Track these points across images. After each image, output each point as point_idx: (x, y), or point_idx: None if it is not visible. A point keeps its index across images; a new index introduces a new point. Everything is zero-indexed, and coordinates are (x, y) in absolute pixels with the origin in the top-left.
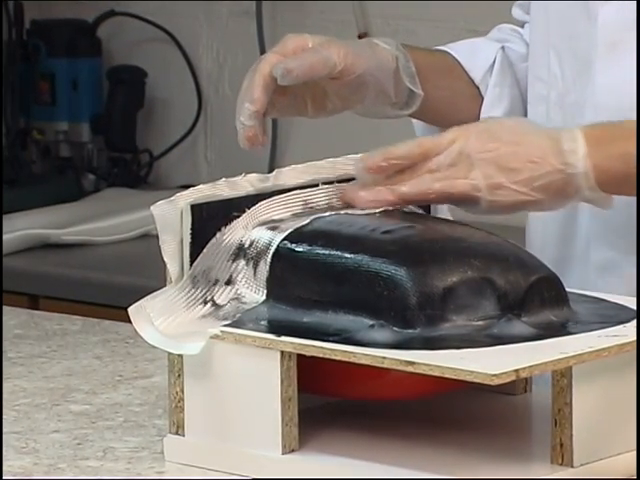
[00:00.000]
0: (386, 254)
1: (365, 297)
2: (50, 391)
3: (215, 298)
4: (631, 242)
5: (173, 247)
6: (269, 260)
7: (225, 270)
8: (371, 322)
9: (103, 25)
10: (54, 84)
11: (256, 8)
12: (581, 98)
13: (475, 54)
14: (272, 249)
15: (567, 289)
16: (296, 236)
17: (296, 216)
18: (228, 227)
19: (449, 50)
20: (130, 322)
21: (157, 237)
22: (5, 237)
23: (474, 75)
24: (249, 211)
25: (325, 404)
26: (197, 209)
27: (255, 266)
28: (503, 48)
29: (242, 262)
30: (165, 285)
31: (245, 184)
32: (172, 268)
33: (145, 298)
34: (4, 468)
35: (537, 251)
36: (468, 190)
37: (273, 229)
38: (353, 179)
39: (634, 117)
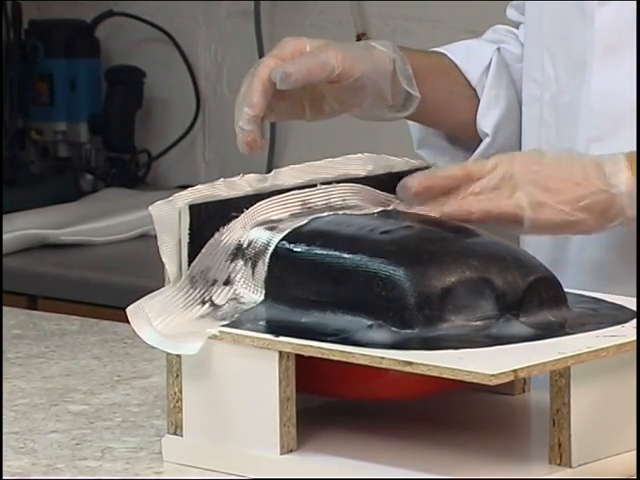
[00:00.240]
0: (384, 254)
1: (363, 297)
2: (48, 391)
3: (213, 298)
4: (627, 244)
5: (171, 247)
6: (267, 260)
7: (223, 270)
8: (369, 322)
9: (101, 25)
10: (52, 84)
11: (254, 9)
12: (575, 100)
13: (471, 56)
14: (270, 249)
15: (565, 289)
16: (294, 236)
17: (294, 216)
18: (226, 227)
19: (445, 52)
20: (128, 322)
21: (155, 237)
22: (3, 237)
23: (470, 77)
24: (247, 211)
25: (323, 404)
26: (195, 209)
27: (253, 266)
28: (499, 49)
29: (240, 262)
30: (163, 285)
31: (243, 184)
32: (170, 268)
33: (143, 298)
34: (2, 468)
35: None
36: (512, 209)
37: (271, 229)
38: (352, 179)
39: (629, 121)
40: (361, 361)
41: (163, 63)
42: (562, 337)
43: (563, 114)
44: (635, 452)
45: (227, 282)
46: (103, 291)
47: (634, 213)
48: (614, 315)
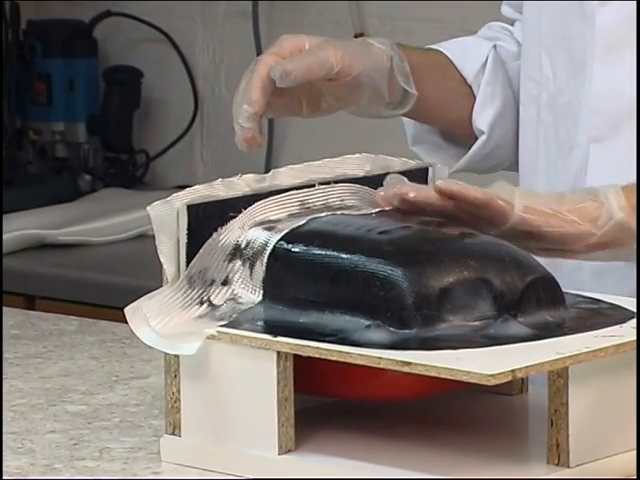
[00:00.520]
0: (383, 254)
1: (361, 297)
2: (46, 391)
3: (211, 298)
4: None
5: (169, 247)
6: (265, 260)
7: (221, 270)
8: (367, 322)
9: (99, 25)
10: (50, 84)
11: (252, 8)
12: (575, 100)
13: (467, 53)
14: (268, 249)
15: (563, 289)
16: (292, 236)
17: (293, 216)
18: (224, 227)
19: (441, 49)
20: (126, 322)
21: (153, 237)
22: (2, 237)
23: (466, 74)
24: (245, 211)
25: (322, 404)
26: (193, 209)
27: (251, 266)
28: (495, 47)
29: (238, 262)
30: (161, 285)
31: (241, 184)
32: (168, 268)
33: (141, 298)
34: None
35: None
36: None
37: (269, 229)
38: (350, 179)
39: (630, 122)
40: (359, 361)
41: (161, 63)
42: (560, 337)
43: (562, 114)
44: (633, 452)
45: (225, 282)
46: (101, 291)
47: (624, 217)
48: (612, 315)
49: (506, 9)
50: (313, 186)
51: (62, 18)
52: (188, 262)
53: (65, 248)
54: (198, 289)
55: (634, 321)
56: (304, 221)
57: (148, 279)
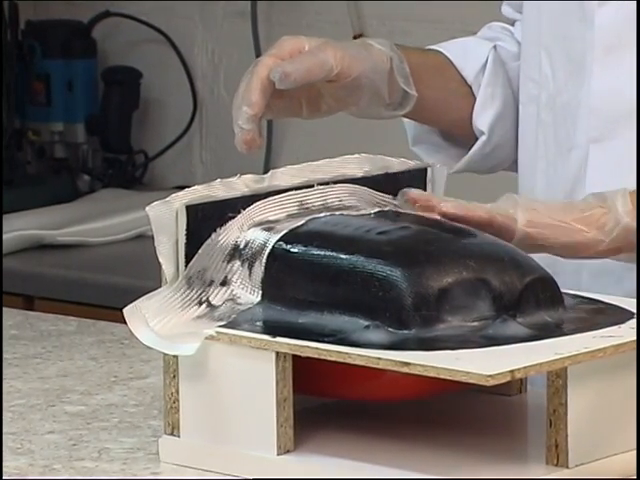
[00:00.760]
0: (381, 255)
1: (360, 298)
2: (45, 392)
3: (210, 299)
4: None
5: (168, 248)
6: (264, 261)
7: (220, 271)
8: (366, 323)
9: (98, 26)
10: (49, 85)
11: (251, 9)
12: (574, 100)
13: (467, 53)
14: (267, 250)
15: (562, 290)
16: (291, 237)
17: (291, 217)
18: (223, 228)
19: (441, 49)
20: (125, 323)
21: (152, 238)
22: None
23: (466, 74)
24: (244, 212)
25: (320, 405)
26: (192, 210)
27: (250, 267)
28: (495, 47)
29: (237, 263)
30: (160, 286)
31: (240, 185)
32: (167, 269)
33: (140, 299)
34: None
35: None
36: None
37: (268, 230)
38: (349, 180)
39: (630, 122)
40: (358, 362)
41: (160, 64)
42: (559, 338)
43: (561, 114)
44: (632, 452)
45: (224, 283)
46: (100, 292)
47: (628, 220)
48: (611, 315)
49: (506, 9)
50: (312, 186)
51: (61, 18)
52: (187, 262)
53: (64, 248)
54: (197, 289)
55: (633, 321)
56: (303, 221)
57: (147, 279)
